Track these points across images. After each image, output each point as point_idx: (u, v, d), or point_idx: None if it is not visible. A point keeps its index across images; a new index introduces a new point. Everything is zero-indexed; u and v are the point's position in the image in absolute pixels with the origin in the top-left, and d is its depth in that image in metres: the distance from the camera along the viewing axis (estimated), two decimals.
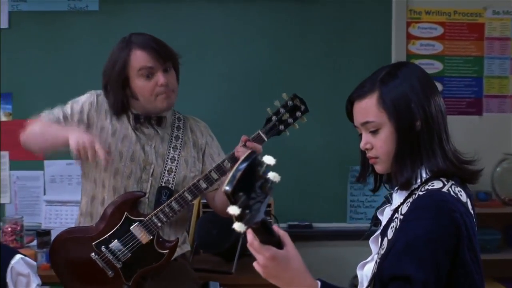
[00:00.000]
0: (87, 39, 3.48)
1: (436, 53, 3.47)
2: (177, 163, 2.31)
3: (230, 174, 1.04)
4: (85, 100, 2.38)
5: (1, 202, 3.58)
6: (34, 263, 2.28)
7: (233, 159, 2.23)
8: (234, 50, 3.47)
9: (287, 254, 1.26)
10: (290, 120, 2.30)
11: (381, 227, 1.53)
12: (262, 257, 1.23)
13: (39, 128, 2.30)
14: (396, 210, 1.47)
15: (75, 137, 2.10)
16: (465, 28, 3.47)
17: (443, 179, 1.43)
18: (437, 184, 1.41)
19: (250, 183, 1.05)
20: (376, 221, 1.59)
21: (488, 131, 3.49)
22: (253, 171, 1.06)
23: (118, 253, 2.24)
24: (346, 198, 3.47)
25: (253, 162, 1.06)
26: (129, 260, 2.24)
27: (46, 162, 3.53)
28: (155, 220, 2.22)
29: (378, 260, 1.44)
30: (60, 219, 3.38)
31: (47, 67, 3.52)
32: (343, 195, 3.47)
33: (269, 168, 1.07)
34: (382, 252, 1.42)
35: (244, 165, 1.05)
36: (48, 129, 2.28)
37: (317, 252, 3.41)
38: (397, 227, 1.40)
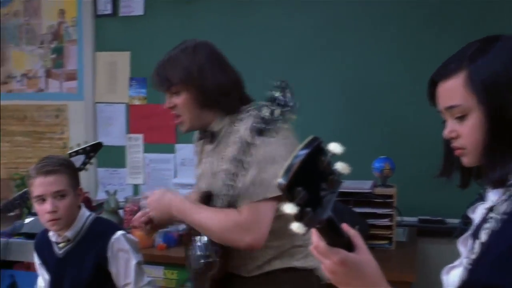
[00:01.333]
0: (218, 26, 3.49)
1: None
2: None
3: (286, 164, 0.90)
4: None
5: (135, 183, 3.73)
6: (136, 239, 2.31)
7: None
8: (359, 45, 3.29)
9: (359, 258, 1.09)
10: (279, 118, 1.75)
11: (473, 228, 1.32)
12: (330, 262, 1.07)
13: None
14: (491, 209, 1.26)
15: None
16: None
17: None
18: None
19: (311, 175, 0.91)
20: (466, 220, 1.37)
21: None
22: (315, 161, 0.91)
23: (200, 248, 2.16)
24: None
25: (315, 150, 0.92)
26: (206, 259, 2.12)
27: (177, 146, 3.62)
28: None
29: (469, 267, 1.24)
30: None
31: None
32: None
33: (336, 157, 0.93)
34: (474, 256, 1.22)
35: (304, 152, 0.90)
36: None
37: (451, 251, 3.16)
38: (495, 228, 1.19)
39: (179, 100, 2.06)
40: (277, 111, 1.73)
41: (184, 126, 2.11)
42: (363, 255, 1.10)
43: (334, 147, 0.93)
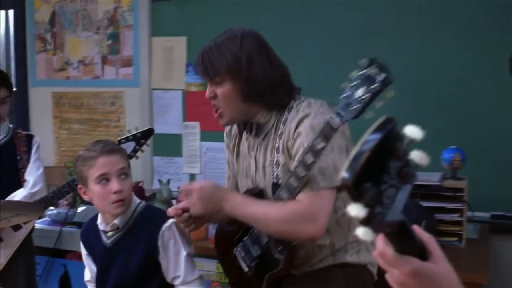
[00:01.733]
0: (277, 9, 3.38)
1: None
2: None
3: (351, 154, 0.72)
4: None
5: (192, 172, 3.64)
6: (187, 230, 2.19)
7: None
8: (427, 32, 3.11)
9: (435, 269, 0.90)
10: (366, 96, 1.60)
11: None
12: (399, 273, 0.89)
13: None
14: None
15: None
16: None
17: None
18: None
19: (382, 166, 0.74)
20: None
21: None
22: (388, 149, 0.74)
23: (251, 248, 2.03)
24: None
25: (389, 134, 0.74)
26: (259, 259, 2.01)
27: None
28: None
29: None
30: None
31: None
32: None
33: (413, 144, 0.77)
34: None
35: (376, 137, 0.73)
36: None
37: None
38: None
39: (221, 90, 1.94)
40: (361, 90, 1.60)
41: (223, 118, 1.99)
42: (440, 264, 0.91)
43: (412, 131, 0.76)
